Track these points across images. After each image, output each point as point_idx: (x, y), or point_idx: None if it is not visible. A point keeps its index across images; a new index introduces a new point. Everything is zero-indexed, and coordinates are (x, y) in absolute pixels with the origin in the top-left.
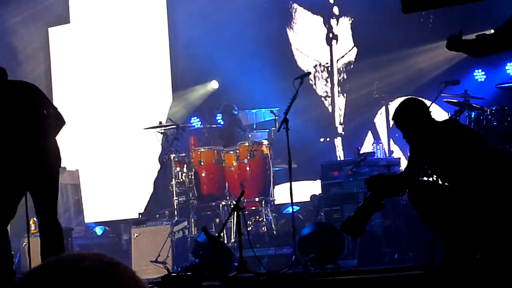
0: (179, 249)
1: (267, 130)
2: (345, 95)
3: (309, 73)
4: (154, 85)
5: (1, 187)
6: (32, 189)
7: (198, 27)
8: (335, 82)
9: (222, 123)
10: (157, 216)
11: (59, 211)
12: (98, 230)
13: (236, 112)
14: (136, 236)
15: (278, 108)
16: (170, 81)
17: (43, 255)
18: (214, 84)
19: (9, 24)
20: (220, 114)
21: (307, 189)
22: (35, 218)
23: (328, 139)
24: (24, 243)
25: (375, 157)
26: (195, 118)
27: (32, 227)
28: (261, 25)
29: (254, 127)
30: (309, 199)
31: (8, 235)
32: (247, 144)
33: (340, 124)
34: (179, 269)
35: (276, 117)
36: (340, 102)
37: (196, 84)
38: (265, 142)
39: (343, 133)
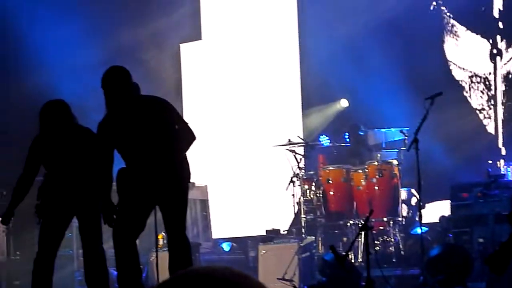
0: (306, 267)
1: (397, 150)
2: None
3: (441, 93)
4: (284, 102)
5: (133, 200)
6: (162, 204)
7: (328, 44)
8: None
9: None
10: (285, 233)
11: (187, 226)
12: (226, 246)
13: (362, 133)
14: (263, 253)
15: (408, 128)
16: (300, 99)
17: (171, 270)
18: (343, 103)
19: (141, 39)
20: (347, 133)
21: (435, 210)
22: (163, 233)
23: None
24: (152, 257)
25: (506, 179)
26: (324, 136)
27: (161, 241)
28: (391, 42)
29: (384, 146)
30: (437, 220)
31: (137, 249)
32: (376, 163)
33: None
34: (306, 287)
35: (406, 137)
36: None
37: (326, 102)
38: (395, 161)
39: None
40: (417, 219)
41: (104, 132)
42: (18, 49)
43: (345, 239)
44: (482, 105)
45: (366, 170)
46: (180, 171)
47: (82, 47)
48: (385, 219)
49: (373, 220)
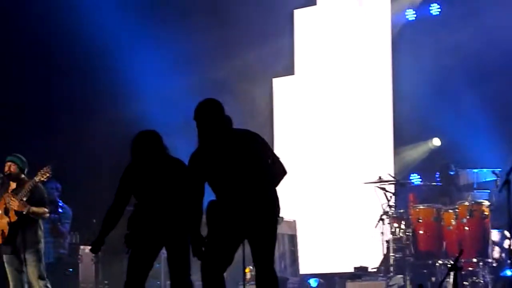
0: None
1: (488, 191)
2: None
3: None
4: (376, 139)
5: (222, 233)
6: (251, 237)
7: (421, 82)
8: None
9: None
10: (373, 271)
11: (275, 261)
12: (313, 282)
13: (453, 172)
14: None
15: (500, 169)
16: (392, 136)
17: None
18: (436, 141)
19: (234, 72)
20: (438, 173)
21: None
22: (251, 267)
23: None
24: None
25: None
26: (415, 174)
27: (248, 275)
28: (486, 83)
29: (475, 186)
30: None
31: (224, 282)
32: (467, 203)
33: None
34: None
35: (498, 178)
36: None
37: (418, 140)
38: (486, 202)
39: None
40: (508, 261)
41: (196, 164)
42: (115, 79)
43: (433, 279)
44: None
45: (457, 210)
46: (271, 206)
47: (177, 77)
48: (474, 260)
49: (463, 260)
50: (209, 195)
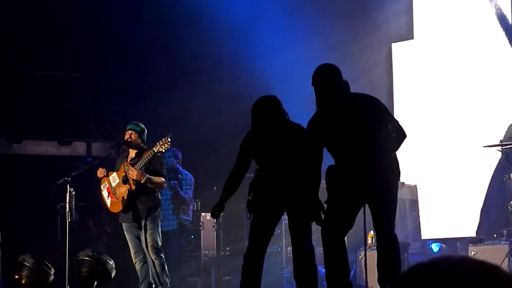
0: None
1: None
2: None
3: None
4: (496, 102)
5: (342, 198)
6: (371, 202)
7: None
8: None
9: None
10: (495, 235)
11: (397, 226)
12: (435, 247)
13: None
14: (474, 254)
15: None
16: None
17: (380, 268)
18: None
19: (352, 36)
20: None
21: None
22: (372, 232)
23: None
24: (361, 256)
25: None
26: None
27: (369, 240)
28: None
29: None
30: None
31: (345, 247)
32: None
33: None
34: None
35: None
36: None
37: None
38: None
39: None
40: None
41: (314, 130)
42: (233, 49)
43: None
44: None
45: None
46: (390, 170)
47: (293, 43)
48: None
49: None
50: (328, 160)
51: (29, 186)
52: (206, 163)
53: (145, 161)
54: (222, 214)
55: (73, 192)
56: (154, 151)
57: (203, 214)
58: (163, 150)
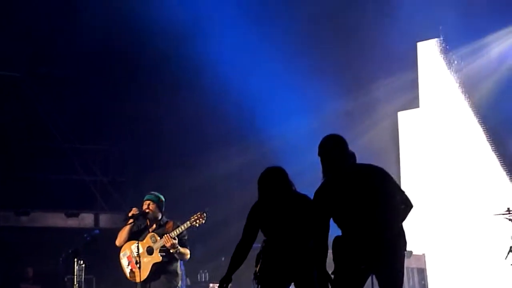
0: None
1: None
2: None
3: None
4: (502, 170)
5: (350, 268)
6: (378, 273)
7: None
8: None
9: None
10: None
11: None
12: None
13: None
14: None
15: None
16: None
17: None
18: None
19: (358, 107)
20: None
21: None
22: None
23: None
24: None
25: None
26: None
27: None
28: None
29: None
30: None
31: None
32: None
33: None
34: None
35: None
36: None
37: None
38: None
39: None
40: None
41: (321, 200)
42: (244, 119)
43: None
44: None
45: None
46: (397, 240)
47: (297, 114)
48: None
49: None
50: (334, 231)
51: (37, 258)
52: (215, 234)
53: (179, 231)
54: (230, 285)
55: (83, 265)
56: (189, 224)
57: (211, 285)
58: (198, 225)
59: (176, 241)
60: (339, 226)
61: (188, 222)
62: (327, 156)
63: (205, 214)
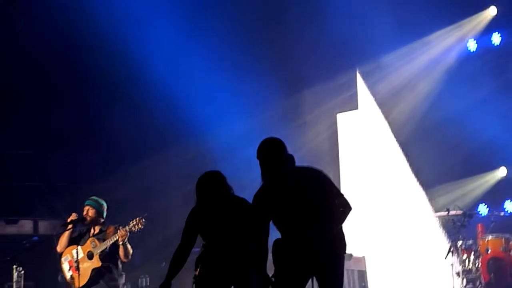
0: None
1: None
2: None
3: None
4: (442, 170)
5: (289, 272)
6: (319, 275)
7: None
8: None
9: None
10: None
11: None
12: None
13: None
14: None
15: None
16: (460, 167)
17: None
18: (502, 171)
19: (298, 107)
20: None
21: None
22: None
23: None
24: None
25: None
26: (483, 204)
27: None
28: None
29: None
30: None
31: None
32: None
33: None
34: None
35: None
36: None
37: (485, 170)
38: None
39: None
40: None
41: (260, 204)
42: (179, 120)
43: None
44: None
45: None
46: (337, 242)
47: (233, 114)
48: None
49: None
50: (274, 234)
51: None
52: (155, 238)
53: (116, 238)
54: None
55: (22, 271)
56: (127, 229)
57: None
58: (136, 230)
59: (124, 231)
60: (279, 229)
61: (125, 229)
62: (266, 160)
63: (143, 220)
